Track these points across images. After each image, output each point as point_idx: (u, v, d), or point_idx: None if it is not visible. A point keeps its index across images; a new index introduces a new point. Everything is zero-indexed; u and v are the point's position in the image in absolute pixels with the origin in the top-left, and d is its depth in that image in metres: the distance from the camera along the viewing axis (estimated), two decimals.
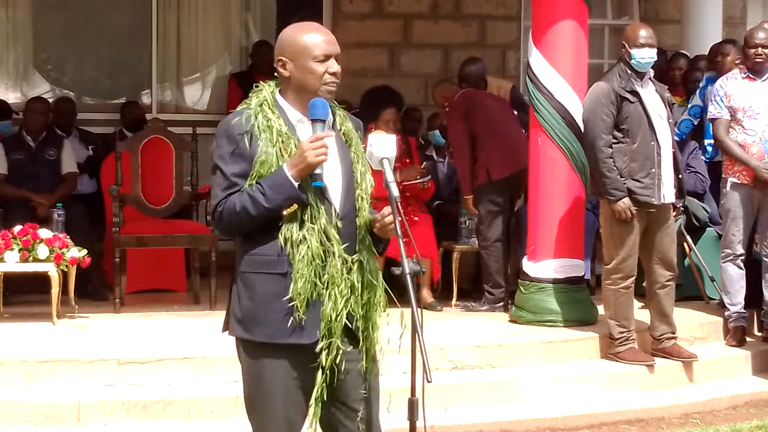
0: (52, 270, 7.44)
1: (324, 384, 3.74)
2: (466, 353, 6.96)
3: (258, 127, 3.75)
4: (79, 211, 8.58)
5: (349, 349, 3.78)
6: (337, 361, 3.73)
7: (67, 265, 7.50)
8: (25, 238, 7.48)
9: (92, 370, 6.45)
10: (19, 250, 7.46)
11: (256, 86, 3.89)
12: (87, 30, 10.78)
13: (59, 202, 8.30)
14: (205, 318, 7.83)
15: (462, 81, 8.77)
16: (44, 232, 7.58)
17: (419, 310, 3.61)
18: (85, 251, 7.61)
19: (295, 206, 3.71)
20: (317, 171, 3.70)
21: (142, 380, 6.47)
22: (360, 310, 3.79)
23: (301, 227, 3.72)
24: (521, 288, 7.77)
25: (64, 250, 7.50)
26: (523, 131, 8.42)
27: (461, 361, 6.92)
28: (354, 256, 3.78)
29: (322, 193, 3.76)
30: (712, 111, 7.89)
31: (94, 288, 8.52)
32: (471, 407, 6.59)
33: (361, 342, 3.80)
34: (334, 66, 3.80)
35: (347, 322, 3.77)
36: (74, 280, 7.63)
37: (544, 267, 7.67)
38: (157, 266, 8.96)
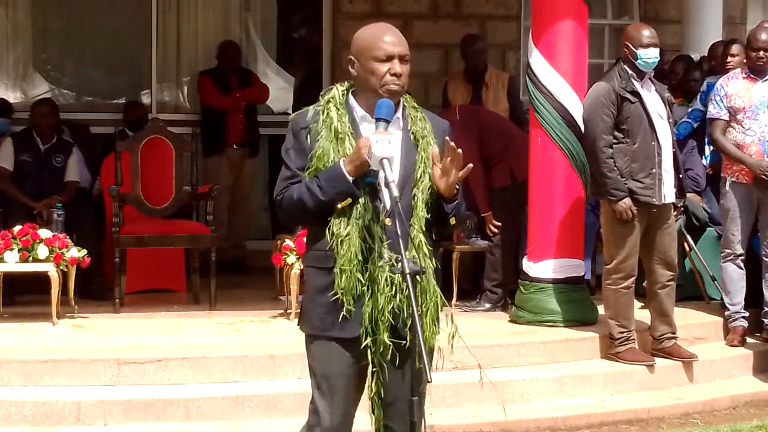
0: (51, 270, 7.43)
1: (379, 381, 3.81)
2: (466, 353, 6.93)
3: (320, 123, 3.84)
4: (84, 212, 8.60)
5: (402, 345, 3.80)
6: (387, 357, 3.79)
7: (66, 265, 7.50)
8: (24, 238, 7.48)
9: (92, 370, 6.45)
10: (19, 250, 7.46)
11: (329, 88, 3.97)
12: (87, 30, 10.76)
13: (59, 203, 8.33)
14: (205, 318, 7.84)
15: (469, 58, 9.08)
16: (44, 232, 7.58)
17: (419, 310, 3.62)
18: (84, 251, 7.60)
19: (349, 200, 3.79)
20: (373, 168, 3.72)
21: (142, 380, 6.47)
22: (408, 309, 3.78)
23: (347, 224, 3.79)
24: (521, 288, 7.77)
25: (64, 250, 7.50)
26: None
27: (461, 361, 6.90)
28: (398, 256, 3.75)
29: (374, 192, 3.79)
30: (711, 111, 7.90)
31: (97, 288, 8.52)
32: (471, 407, 6.59)
33: (407, 342, 3.80)
34: (396, 66, 3.84)
35: (392, 320, 3.78)
36: (74, 280, 7.63)
37: (544, 267, 7.66)
38: (157, 266, 8.95)
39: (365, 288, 3.78)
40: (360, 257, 3.77)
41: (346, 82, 3.99)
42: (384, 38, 3.85)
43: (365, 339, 3.78)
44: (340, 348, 3.86)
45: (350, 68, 3.93)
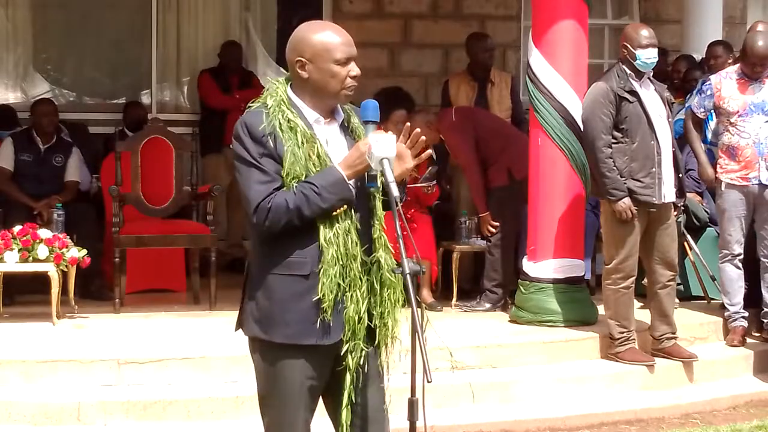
0: (51, 270, 7.44)
1: (352, 387, 3.76)
2: (466, 353, 6.96)
3: (281, 128, 3.74)
4: (84, 211, 8.60)
5: (370, 349, 3.80)
6: (362, 362, 3.75)
7: (67, 265, 7.50)
8: (24, 238, 7.48)
9: (92, 370, 6.45)
10: (19, 250, 7.46)
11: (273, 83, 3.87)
12: (87, 30, 10.78)
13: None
14: (205, 318, 7.84)
15: (476, 55, 9.13)
16: (44, 232, 7.58)
17: (419, 310, 3.62)
18: (84, 251, 7.61)
19: (345, 207, 3.72)
20: (372, 172, 3.70)
21: (142, 380, 6.47)
22: (379, 308, 3.78)
23: (331, 227, 3.72)
24: (521, 288, 7.77)
25: (64, 250, 7.50)
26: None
27: (461, 361, 6.91)
28: (372, 256, 3.78)
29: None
30: (693, 103, 7.94)
31: (97, 288, 8.52)
32: (471, 407, 6.59)
33: (377, 339, 3.80)
34: (354, 69, 3.79)
35: (369, 323, 3.77)
36: (74, 280, 7.63)
37: (544, 267, 7.67)
38: (157, 266, 8.95)
39: (345, 292, 3.74)
40: (342, 261, 3.72)
41: (282, 79, 3.88)
42: (341, 40, 3.78)
43: (346, 343, 3.73)
44: (312, 356, 3.77)
45: (299, 70, 3.78)
